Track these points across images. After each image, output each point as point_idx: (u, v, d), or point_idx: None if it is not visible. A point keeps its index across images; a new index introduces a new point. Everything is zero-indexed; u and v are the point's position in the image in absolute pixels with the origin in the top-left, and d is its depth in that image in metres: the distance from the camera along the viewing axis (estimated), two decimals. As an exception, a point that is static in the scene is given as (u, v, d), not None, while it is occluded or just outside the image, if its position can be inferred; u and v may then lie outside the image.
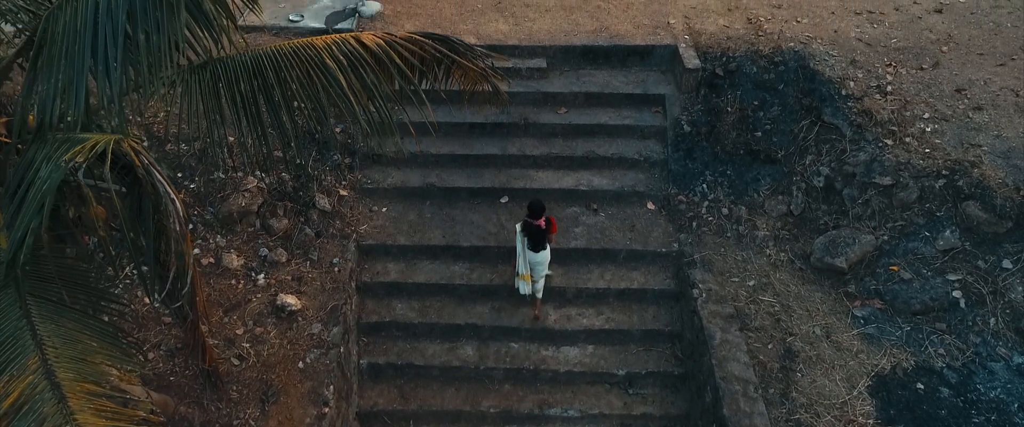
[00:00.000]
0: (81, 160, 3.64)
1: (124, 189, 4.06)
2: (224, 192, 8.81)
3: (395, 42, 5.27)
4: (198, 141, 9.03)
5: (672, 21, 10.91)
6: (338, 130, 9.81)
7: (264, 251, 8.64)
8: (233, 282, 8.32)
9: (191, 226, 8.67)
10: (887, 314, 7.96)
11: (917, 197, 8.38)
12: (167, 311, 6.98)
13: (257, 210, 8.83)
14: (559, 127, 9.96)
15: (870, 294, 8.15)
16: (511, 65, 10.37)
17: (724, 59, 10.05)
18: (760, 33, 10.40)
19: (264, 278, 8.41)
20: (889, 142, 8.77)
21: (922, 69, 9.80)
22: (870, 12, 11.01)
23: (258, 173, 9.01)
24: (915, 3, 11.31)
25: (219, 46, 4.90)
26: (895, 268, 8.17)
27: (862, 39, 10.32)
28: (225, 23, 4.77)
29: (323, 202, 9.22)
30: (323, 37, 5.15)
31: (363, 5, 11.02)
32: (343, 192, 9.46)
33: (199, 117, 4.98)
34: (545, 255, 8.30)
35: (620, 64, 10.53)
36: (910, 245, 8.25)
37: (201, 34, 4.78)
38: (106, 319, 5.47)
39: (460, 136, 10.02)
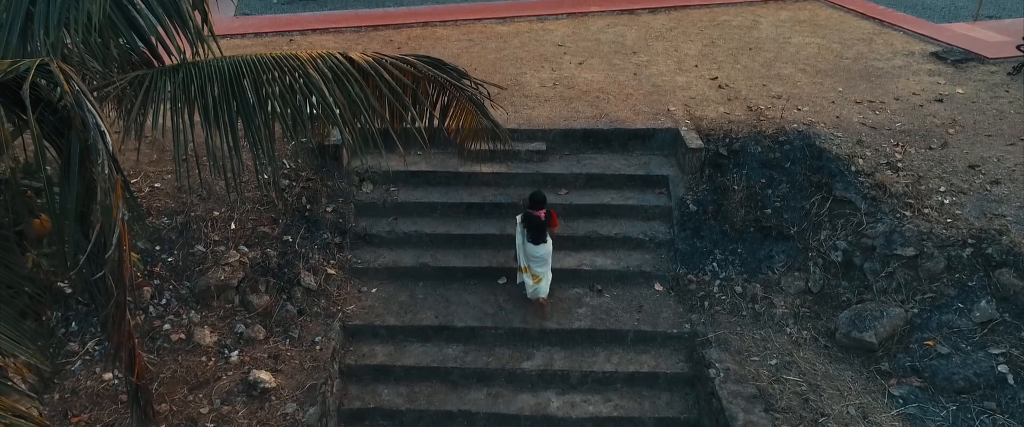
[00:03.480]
0: None
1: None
2: (204, 265, 8.26)
3: (384, 60, 4.99)
4: (181, 215, 8.63)
5: (672, 108, 10.84)
6: (329, 209, 9.42)
7: (240, 328, 7.96)
8: (203, 359, 7.58)
9: (164, 301, 8.06)
10: (928, 393, 7.14)
11: (945, 267, 7.81)
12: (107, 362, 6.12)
13: (237, 285, 8.24)
14: (560, 207, 9.53)
15: (906, 371, 7.36)
16: (509, 148, 10.16)
17: (727, 140, 9.84)
18: (762, 118, 10.28)
19: (238, 355, 7.67)
20: (907, 213, 8.33)
21: (931, 148, 9.55)
22: (870, 101, 10.97)
23: (242, 247, 8.51)
24: (914, 94, 11.31)
25: (194, 50, 4.60)
26: (930, 343, 7.45)
27: (866, 123, 10.18)
28: (201, 24, 4.50)
29: (309, 280, 8.64)
30: (308, 52, 4.86)
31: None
32: (331, 271, 8.90)
33: (165, 129, 4.55)
34: (545, 249, 7.98)
35: (621, 148, 10.33)
36: (943, 318, 7.57)
37: (175, 33, 4.49)
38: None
39: (456, 216, 9.61)
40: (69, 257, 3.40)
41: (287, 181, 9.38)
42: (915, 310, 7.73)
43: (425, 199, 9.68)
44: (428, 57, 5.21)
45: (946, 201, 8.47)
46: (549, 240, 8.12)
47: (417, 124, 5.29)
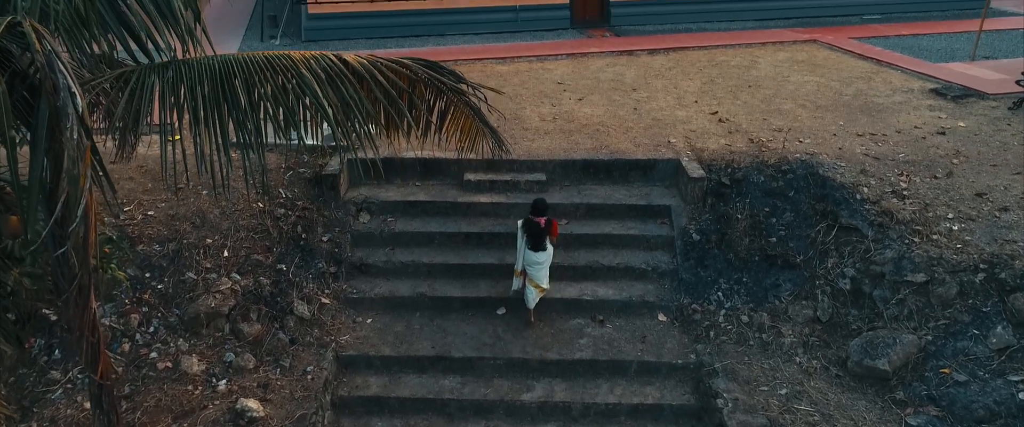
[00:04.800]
0: None
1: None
2: (194, 293, 8.03)
3: (379, 62, 4.89)
4: (173, 242, 8.44)
5: (673, 140, 10.76)
6: (325, 239, 9.23)
7: (230, 356, 7.68)
8: (190, 387, 7.27)
9: (152, 328, 7.80)
10: (946, 422, 6.80)
11: (957, 293, 7.57)
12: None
13: (228, 313, 7.99)
14: (560, 237, 9.35)
15: (922, 400, 7.04)
16: (509, 178, 10.07)
17: (729, 170, 9.72)
18: (764, 149, 10.19)
19: (226, 384, 7.37)
20: (916, 239, 8.14)
21: (936, 178, 9.42)
22: (872, 134, 10.90)
23: (234, 275, 8.29)
24: (916, 127, 11.25)
25: (185, 47, 4.50)
26: (947, 371, 7.15)
27: (869, 154, 10.08)
28: (192, 22, 4.41)
29: (302, 309, 8.39)
30: (301, 52, 4.77)
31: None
32: (325, 300, 8.66)
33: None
34: (544, 256, 8.00)
35: (622, 178, 10.20)
36: (959, 344, 7.29)
37: (166, 30, 4.40)
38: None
39: (455, 246, 9.42)
40: (31, 230, 3.18)
41: (282, 210, 9.23)
42: (929, 337, 7.45)
43: (423, 229, 9.50)
44: (424, 60, 5.11)
45: (955, 227, 8.29)
46: (549, 248, 8.12)
47: (413, 130, 5.13)
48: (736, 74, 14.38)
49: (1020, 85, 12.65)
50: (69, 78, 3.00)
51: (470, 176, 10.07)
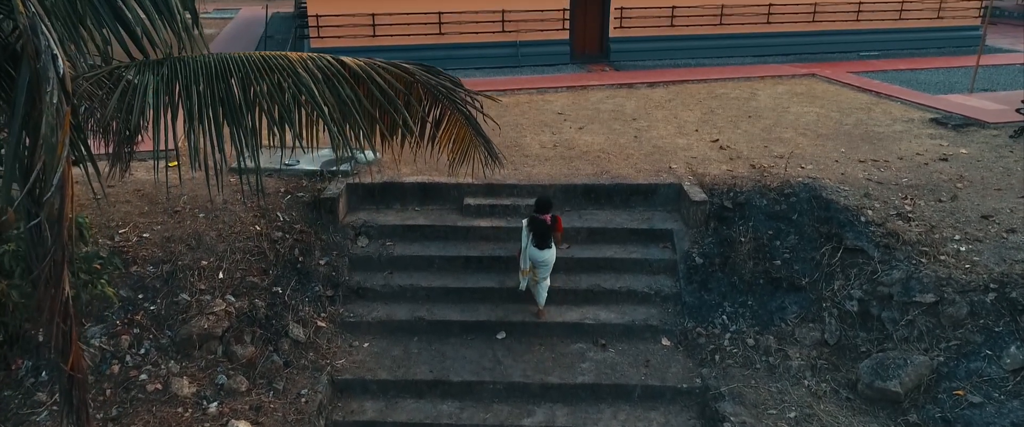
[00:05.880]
0: None
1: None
2: (187, 314, 7.86)
3: (377, 65, 4.84)
4: (168, 263, 8.30)
5: (674, 166, 10.71)
6: (322, 262, 9.10)
7: (222, 378, 7.46)
8: (179, 410, 7.04)
9: (143, 350, 7.60)
10: (963, 445, 6.56)
11: (968, 312, 7.40)
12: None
13: (221, 335, 7.80)
14: (561, 261, 9.17)
15: (936, 422, 6.80)
16: (509, 202, 9.97)
17: (731, 193, 9.63)
18: (766, 174, 10.12)
19: (217, 406, 7.14)
20: (924, 260, 8.00)
21: (941, 201, 9.33)
22: (874, 160, 10.85)
23: (228, 297, 8.13)
24: (918, 154, 11.21)
25: (181, 45, 4.45)
26: (960, 392, 6.93)
27: (871, 179, 10.00)
28: (188, 20, 4.37)
29: (297, 332, 8.20)
30: (299, 53, 4.72)
31: (360, 153, 10.88)
32: (321, 323, 8.48)
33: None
34: (549, 255, 8.00)
35: (623, 203, 10.10)
36: (972, 365, 7.08)
37: (162, 27, 4.35)
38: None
39: (454, 270, 9.26)
40: (2, 199, 3.00)
41: (280, 233, 9.11)
42: (940, 358, 7.25)
43: (422, 253, 9.36)
44: (422, 64, 5.06)
45: (962, 248, 8.15)
46: (553, 246, 8.12)
47: (409, 136, 5.05)
48: (736, 105, 14.42)
49: (1021, 113, 12.66)
50: (51, 41, 2.92)
51: (470, 200, 9.97)
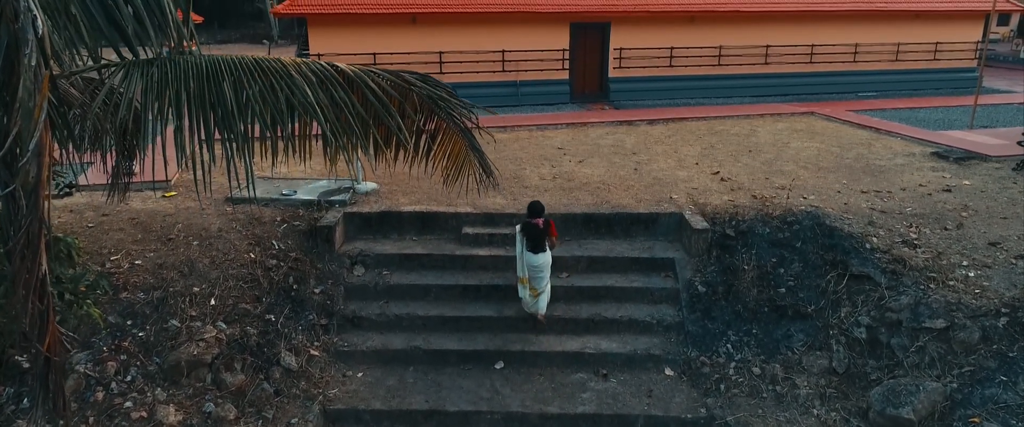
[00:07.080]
0: None
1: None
2: (177, 340, 7.64)
3: (371, 71, 4.77)
4: (159, 290, 8.12)
5: (675, 196, 10.60)
6: (317, 291, 8.91)
7: (210, 406, 7.20)
8: (164, 438, 6.77)
9: (129, 377, 7.36)
10: (982, 474, 6.27)
11: (980, 338, 7.18)
12: None
13: (211, 362, 7.57)
14: (561, 290, 9.03)
15: (953, 451, 6.52)
16: (508, 231, 9.82)
17: (733, 222, 9.50)
18: (768, 204, 10.00)
19: (203, 435, 6.87)
20: (932, 286, 7.81)
21: (946, 229, 9.19)
22: (876, 191, 10.76)
23: (219, 323, 7.92)
24: (921, 185, 11.12)
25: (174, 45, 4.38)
26: (976, 419, 6.66)
27: (875, 209, 9.88)
28: (180, 21, 4.31)
29: (289, 360, 7.97)
30: (292, 58, 4.66)
31: (359, 184, 10.82)
32: (314, 352, 8.24)
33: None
34: (544, 259, 7.88)
35: (623, 233, 9.95)
36: (987, 392, 6.82)
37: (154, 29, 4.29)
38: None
39: (451, 299, 9.06)
40: None
41: (274, 261, 8.94)
42: (954, 385, 7.00)
43: (419, 282, 9.18)
44: (417, 73, 5.00)
45: (971, 274, 7.98)
46: (548, 250, 8.02)
47: (404, 147, 4.96)
48: (736, 141, 14.40)
49: (1022, 146, 12.62)
50: (31, 2, 2.83)
51: (468, 230, 9.83)
